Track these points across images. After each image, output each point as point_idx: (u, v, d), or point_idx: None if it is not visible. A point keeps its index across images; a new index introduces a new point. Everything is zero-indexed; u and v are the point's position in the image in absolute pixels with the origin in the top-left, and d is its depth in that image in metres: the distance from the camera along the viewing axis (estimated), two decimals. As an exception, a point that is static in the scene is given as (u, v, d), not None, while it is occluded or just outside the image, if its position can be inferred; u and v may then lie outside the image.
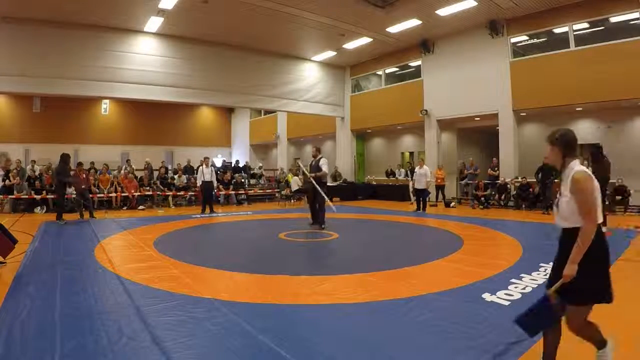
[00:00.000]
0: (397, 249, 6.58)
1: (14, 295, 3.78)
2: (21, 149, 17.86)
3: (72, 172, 10.19)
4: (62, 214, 9.42)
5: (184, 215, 11.02)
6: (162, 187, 13.83)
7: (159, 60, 13.56)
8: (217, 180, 13.16)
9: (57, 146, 16.09)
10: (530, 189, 11.88)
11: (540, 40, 12.66)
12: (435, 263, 5.11)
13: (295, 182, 15.06)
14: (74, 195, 10.81)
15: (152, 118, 21.47)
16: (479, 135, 16.40)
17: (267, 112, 22.59)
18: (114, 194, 12.85)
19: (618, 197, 10.47)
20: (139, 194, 13.15)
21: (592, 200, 2.05)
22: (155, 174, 14.48)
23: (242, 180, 16.05)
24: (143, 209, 12.67)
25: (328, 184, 9.54)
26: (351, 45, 15.26)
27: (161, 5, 11.42)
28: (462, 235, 7.18)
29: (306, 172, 8.83)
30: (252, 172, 17.86)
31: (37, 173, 12.75)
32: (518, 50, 13.07)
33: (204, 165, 11.67)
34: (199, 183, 11.92)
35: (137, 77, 13.08)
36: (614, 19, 10.87)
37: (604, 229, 7.01)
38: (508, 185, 12.54)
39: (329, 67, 17.95)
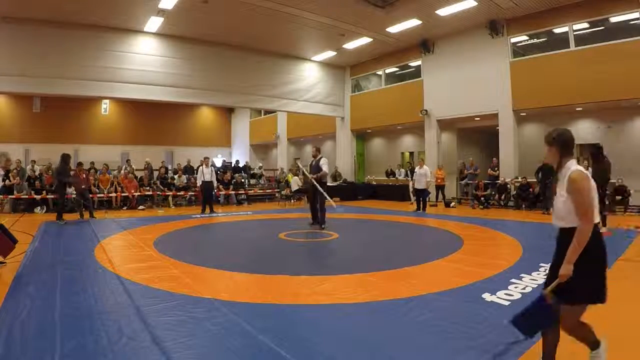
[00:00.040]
0: (397, 249, 6.58)
1: (14, 295, 3.78)
2: (21, 149, 17.85)
3: (72, 172, 10.19)
4: (62, 214, 9.42)
5: (184, 215, 11.02)
6: (162, 187, 13.83)
7: (159, 60, 13.56)
8: (217, 180, 13.16)
9: (57, 146, 16.10)
10: (530, 189, 11.88)
11: (540, 40, 12.66)
12: (435, 263, 5.11)
13: (295, 182, 15.07)
14: (74, 195, 10.80)
15: (152, 118, 21.47)
16: (479, 135, 16.40)
17: (267, 112, 22.59)
18: (114, 194, 12.85)
19: (618, 197, 10.47)
20: (139, 194, 13.15)
21: (588, 201, 2.05)
22: (155, 174, 14.48)
23: (242, 180, 16.06)
24: (143, 209, 12.67)
25: (328, 184, 9.53)
26: (351, 45, 15.26)
27: (161, 5, 11.42)
28: (462, 235, 7.18)
29: (306, 173, 8.82)
30: (252, 172, 17.87)
31: (37, 173, 12.76)
32: (518, 50, 13.07)
33: (204, 165, 11.67)
34: (199, 183, 11.92)
35: (137, 77, 13.08)
36: (614, 19, 10.87)
37: (604, 229, 6.97)
38: (508, 185, 12.54)
39: (329, 67, 17.95)
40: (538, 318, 2.18)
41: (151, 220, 9.93)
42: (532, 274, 4.35)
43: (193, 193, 14.35)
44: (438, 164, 14.24)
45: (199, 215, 10.80)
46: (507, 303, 3.46)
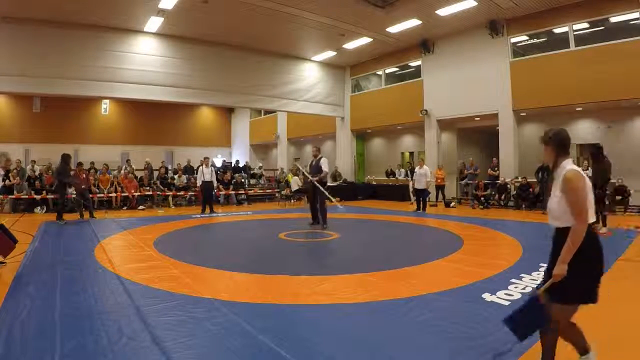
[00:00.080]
0: (397, 249, 6.58)
1: (14, 295, 3.78)
2: (21, 149, 17.85)
3: (72, 172, 10.19)
4: (62, 214, 9.41)
5: (184, 215, 11.02)
6: (162, 187, 13.83)
7: (159, 60, 13.56)
8: (217, 180, 13.16)
9: (57, 146, 16.11)
10: (530, 189, 11.88)
11: (540, 40, 12.66)
12: (435, 263, 5.11)
13: (295, 182, 15.07)
14: (74, 195, 10.80)
15: (152, 118, 21.47)
16: (479, 135, 16.40)
17: (267, 112, 22.58)
18: (114, 194, 12.85)
19: (618, 197, 10.46)
20: (139, 194, 13.15)
21: (582, 200, 2.04)
22: (155, 174, 14.48)
23: (242, 180, 16.06)
24: (143, 209, 12.67)
25: (328, 184, 9.54)
26: (351, 45, 15.26)
27: (161, 5, 11.42)
28: (462, 235, 7.18)
29: (307, 174, 8.82)
30: (252, 172, 17.87)
31: (37, 173, 12.76)
32: (518, 50, 13.07)
33: (204, 165, 11.68)
34: (199, 183, 11.92)
35: (137, 77, 13.08)
36: (614, 19, 10.87)
37: (604, 229, 6.97)
38: (508, 185, 12.54)
39: (329, 67, 17.95)
40: (531, 318, 2.17)
41: (151, 220, 9.93)
42: (532, 274, 4.35)
43: (193, 193, 14.35)
44: (438, 164, 14.24)
45: (199, 215, 10.80)
46: (507, 303, 3.46)
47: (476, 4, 11.48)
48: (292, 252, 6.34)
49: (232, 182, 15.18)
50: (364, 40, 14.78)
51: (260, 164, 19.94)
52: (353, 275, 4.51)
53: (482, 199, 12.73)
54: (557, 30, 11.99)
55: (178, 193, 14.19)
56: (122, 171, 13.74)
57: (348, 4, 11.58)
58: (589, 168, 8.95)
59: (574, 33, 11.45)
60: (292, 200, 15.39)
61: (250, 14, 12.10)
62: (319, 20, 12.77)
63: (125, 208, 12.73)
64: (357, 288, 4.01)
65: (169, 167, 16.39)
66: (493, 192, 12.82)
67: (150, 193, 13.48)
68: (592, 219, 2.09)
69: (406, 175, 16.18)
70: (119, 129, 21.32)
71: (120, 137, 21.14)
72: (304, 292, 3.93)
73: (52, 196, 11.65)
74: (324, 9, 12.00)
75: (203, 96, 14.97)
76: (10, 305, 3.47)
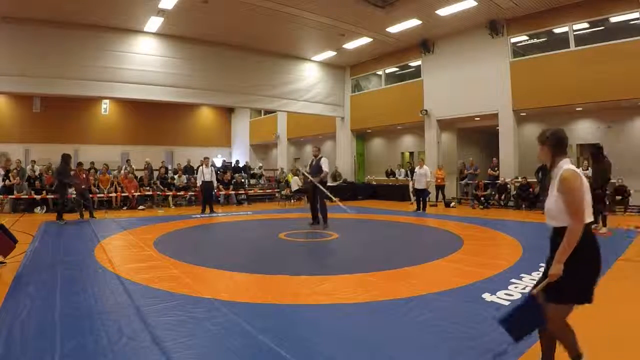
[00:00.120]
0: (397, 249, 6.57)
1: (14, 295, 3.78)
2: (21, 149, 17.85)
3: (72, 172, 10.19)
4: (62, 214, 9.42)
5: (184, 215, 11.02)
6: (162, 187, 13.83)
7: (159, 60, 13.56)
8: (217, 180, 13.17)
9: (57, 146, 16.11)
10: (530, 189, 11.88)
11: (540, 40, 12.66)
12: (435, 263, 5.11)
13: (295, 182, 15.07)
14: (74, 195, 10.80)
15: (152, 118, 21.47)
16: (479, 135, 16.40)
17: (267, 112, 22.59)
18: (114, 194, 12.85)
19: (618, 197, 10.47)
20: (139, 194, 13.15)
21: (579, 200, 2.04)
22: (155, 174, 14.49)
23: (242, 180, 16.06)
24: (143, 209, 12.67)
25: (328, 184, 9.54)
26: (351, 45, 15.26)
27: (161, 5, 11.42)
28: (462, 235, 7.18)
29: (307, 175, 8.81)
30: (252, 172, 17.87)
31: (37, 173, 12.76)
32: (518, 50, 13.07)
33: (204, 165, 11.68)
34: (199, 183, 11.93)
35: (137, 77, 13.08)
36: (614, 19, 10.87)
37: (604, 229, 6.96)
38: (508, 185, 12.54)
39: (329, 67, 17.95)
40: (527, 319, 2.16)
41: (151, 220, 9.93)
42: (532, 274, 4.35)
43: (193, 193, 14.35)
44: (438, 164, 14.24)
45: (199, 215, 10.80)
46: (507, 303, 3.46)
47: (476, 4, 11.48)
48: (292, 252, 6.34)
49: (232, 182, 15.18)
50: (364, 40, 14.78)
51: (260, 164, 19.95)
52: (353, 275, 4.51)
53: (482, 199, 12.73)
54: (557, 30, 11.99)
55: (178, 193, 14.19)
56: (122, 171, 13.75)
57: (348, 4, 11.58)
58: (589, 168, 8.97)
59: (574, 33, 11.45)
60: (292, 200, 15.39)
61: (250, 14, 12.10)
62: (319, 20, 12.77)
63: (125, 208, 12.73)
64: (357, 288, 4.01)
65: (169, 167, 16.39)
66: (493, 192, 12.82)
67: (150, 193, 13.48)
68: (589, 219, 2.09)
69: (406, 175, 16.18)
70: (119, 129, 21.32)
71: (120, 137, 21.14)
72: (304, 292, 3.93)
73: (52, 196, 11.65)
74: (324, 9, 12.00)
75: (203, 96, 14.97)
76: (10, 305, 3.47)
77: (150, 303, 3.50)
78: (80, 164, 11.20)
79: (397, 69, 17.18)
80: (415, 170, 12.02)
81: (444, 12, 12.01)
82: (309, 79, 17.33)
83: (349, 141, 18.79)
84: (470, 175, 14.02)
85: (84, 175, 11.00)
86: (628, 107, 11.24)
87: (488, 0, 11.33)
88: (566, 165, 2.14)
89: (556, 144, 2.20)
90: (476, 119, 14.32)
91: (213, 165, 14.76)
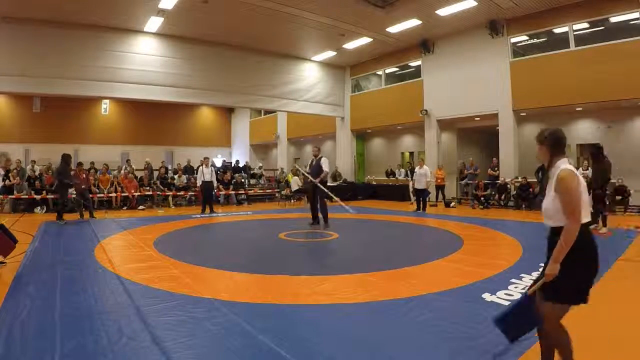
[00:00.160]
0: (397, 249, 6.58)
1: (14, 295, 3.78)
2: (21, 149, 17.85)
3: (72, 172, 10.18)
4: (62, 214, 9.41)
5: (184, 215, 11.02)
6: (162, 187, 13.83)
7: (159, 60, 13.56)
8: (217, 180, 13.17)
9: (57, 146, 16.11)
10: (530, 189, 11.87)
11: (540, 40, 12.66)
12: (435, 263, 5.11)
13: (295, 182, 15.07)
14: (74, 195, 10.80)
15: (152, 118, 21.47)
16: (479, 135, 16.39)
17: (267, 112, 22.58)
18: (114, 194, 12.85)
19: (618, 197, 10.47)
20: (139, 194, 13.15)
21: (576, 200, 2.03)
22: (155, 174, 14.49)
23: (242, 180, 16.06)
24: (143, 209, 12.67)
25: (328, 183, 9.54)
26: (351, 45, 15.26)
27: (161, 5, 11.42)
28: (462, 235, 7.18)
29: (307, 175, 8.81)
30: (252, 172, 17.87)
31: (37, 173, 12.76)
32: (518, 50, 13.07)
33: (204, 165, 11.68)
34: (199, 183, 11.93)
35: (137, 77, 13.08)
36: (614, 19, 10.86)
37: (604, 229, 6.94)
38: (508, 185, 12.54)
39: (329, 67, 17.95)
40: (522, 320, 2.15)
41: (151, 220, 9.93)
42: (532, 274, 4.34)
43: (193, 193, 14.35)
44: (438, 164, 14.24)
45: (199, 215, 10.80)
46: (507, 303, 3.45)
47: (476, 4, 11.48)
48: (292, 252, 6.34)
49: (232, 182, 15.18)
50: (364, 40, 14.78)
51: (260, 164, 19.95)
52: (353, 275, 4.51)
53: (482, 199, 12.73)
54: (557, 30, 11.99)
55: (178, 193, 14.19)
56: (122, 171, 13.75)
57: (348, 4, 11.58)
58: (589, 168, 8.97)
59: (574, 33, 11.44)
60: (292, 200, 15.39)
61: (250, 14, 12.10)
62: (319, 20, 12.77)
63: (125, 208, 12.73)
64: (357, 288, 4.01)
65: (169, 167, 16.39)
66: (493, 192, 12.82)
67: (150, 193, 13.48)
68: (586, 219, 2.09)
69: (406, 175, 16.18)
70: (119, 129, 21.32)
71: (120, 137, 21.14)
72: (304, 292, 3.93)
73: (52, 196, 11.65)
74: (324, 9, 12.00)
75: (203, 96, 14.97)
76: (10, 305, 3.47)
77: (150, 303, 3.50)
78: (80, 164, 11.20)
79: (397, 69, 17.18)
80: (415, 170, 12.02)
81: (444, 12, 12.01)
82: (309, 79, 17.33)
83: (349, 141, 18.79)
84: (470, 175, 14.02)
85: (84, 175, 11.00)
86: (628, 107, 11.24)
87: (488, 0, 11.33)
88: (563, 165, 2.14)
89: (554, 144, 2.21)
90: (476, 119, 14.32)
91: (213, 165, 14.76)
